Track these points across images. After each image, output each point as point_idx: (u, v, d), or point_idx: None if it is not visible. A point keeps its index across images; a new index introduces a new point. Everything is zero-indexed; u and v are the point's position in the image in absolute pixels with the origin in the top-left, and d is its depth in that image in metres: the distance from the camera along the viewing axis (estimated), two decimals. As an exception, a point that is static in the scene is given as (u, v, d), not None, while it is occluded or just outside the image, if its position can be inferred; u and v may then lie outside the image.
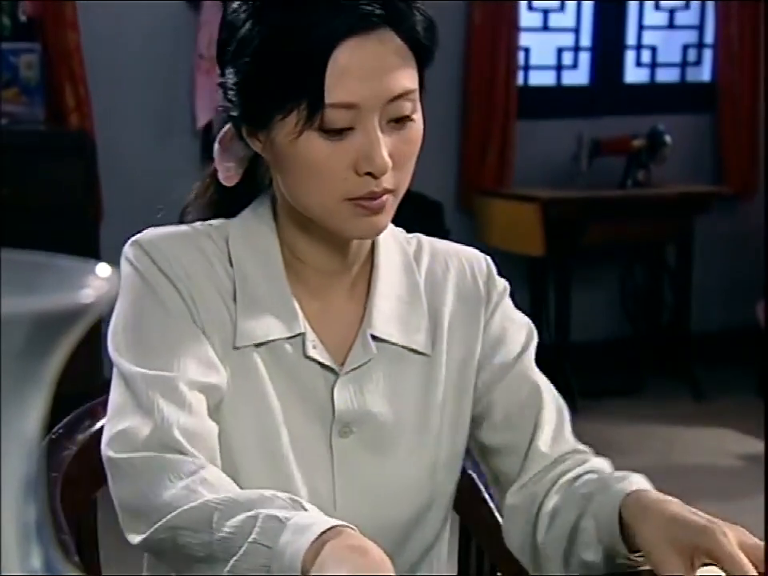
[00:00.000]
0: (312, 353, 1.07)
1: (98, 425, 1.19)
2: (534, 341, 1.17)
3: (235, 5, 1.03)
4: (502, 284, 1.16)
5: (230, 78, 1.03)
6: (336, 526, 0.87)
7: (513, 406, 1.13)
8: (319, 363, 1.08)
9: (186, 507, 0.94)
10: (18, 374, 0.29)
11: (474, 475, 1.23)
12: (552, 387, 1.16)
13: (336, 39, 0.97)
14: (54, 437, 1.17)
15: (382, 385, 1.10)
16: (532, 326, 1.18)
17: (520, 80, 4.32)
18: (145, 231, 1.09)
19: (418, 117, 1.04)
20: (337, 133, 0.99)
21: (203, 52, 3.78)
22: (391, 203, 1.04)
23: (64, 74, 3.62)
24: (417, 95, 1.03)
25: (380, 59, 0.99)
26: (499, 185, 4.24)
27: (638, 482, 1.04)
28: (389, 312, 1.10)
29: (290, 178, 1.03)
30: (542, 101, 4.39)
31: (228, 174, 1.12)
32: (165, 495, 0.96)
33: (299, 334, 1.08)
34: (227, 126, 1.10)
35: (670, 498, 1.00)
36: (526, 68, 4.39)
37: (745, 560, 0.92)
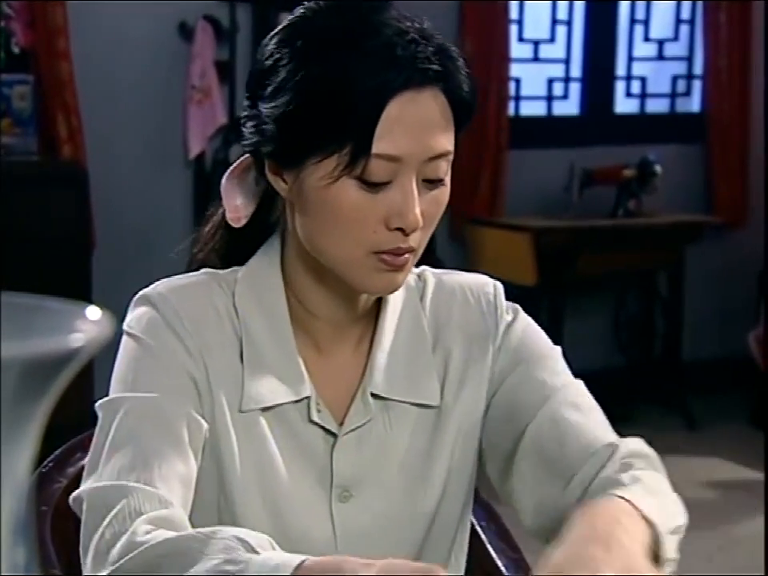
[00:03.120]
0: (316, 417, 1.05)
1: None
2: (557, 349, 1.12)
3: (276, 40, 1.01)
4: (511, 309, 1.12)
5: (268, 111, 1.00)
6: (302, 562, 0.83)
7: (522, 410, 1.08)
8: (321, 426, 1.05)
9: (125, 559, 0.90)
10: (9, 416, 0.29)
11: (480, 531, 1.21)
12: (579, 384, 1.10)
13: (393, 91, 0.96)
14: (44, 470, 1.16)
15: (382, 442, 1.07)
16: (546, 339, 1.13)
17: (511, 110, 4.34)
18: (155, 284, 1.05)
19: (448, 180, 1.03)
20: (375, 185, 0.98)
21: (196, 83, 3.79)
22: (411, 262, 1.02)
23: (57, 105, 3.63)
24: (452, 158, 1.02)
25: (428, 116, 0.99)
26: (491, 214, 4.25)
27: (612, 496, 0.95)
28: (392, 366, 1.07)
29: (314, 224, 1.01)
30: (533, 131, 4.41)
31: (236, 213, 1.08)
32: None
33: (305, 398, 1.05)
34: (241, 158, 1.07)
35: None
36: (517, 98, 4.41)
37: None
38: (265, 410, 1.04)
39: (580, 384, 1.12)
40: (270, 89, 1.00)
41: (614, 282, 4.43)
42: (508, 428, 1.09)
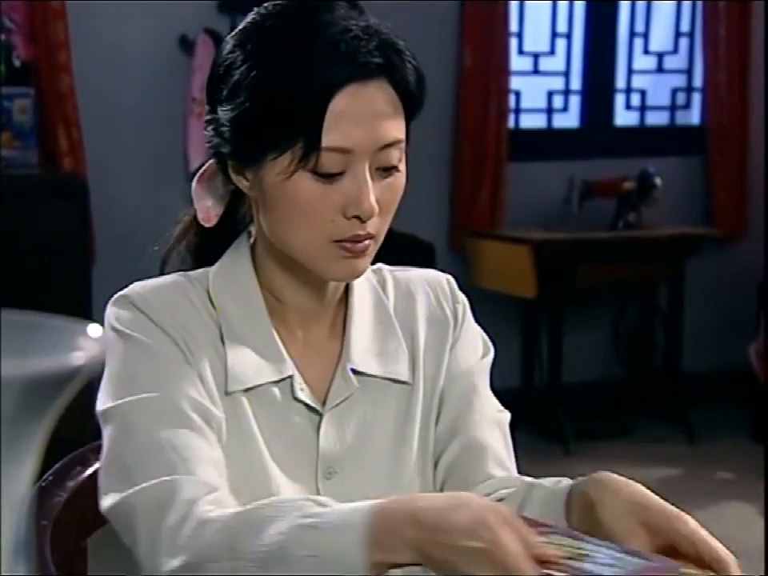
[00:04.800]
0: (300, 395, 1.09)
1: (89, 471, 1.19)
2: (490, 354, 1.20)
3: (230, 44, 1.07)
4: (464, 300, 1.20)
5: (225, 114, 1.06)
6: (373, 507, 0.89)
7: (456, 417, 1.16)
8: (305, 404, 1.09)
9: (201, 537, 0.93)
10: (10, 435, 0.29)
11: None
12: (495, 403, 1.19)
13: (337, 85, 1.01)
14: (43, 484, 1.16)
15: (362, 418, 1.11)
16: (487, 339, 1.20)
17: (511, 123, 4.35)
18: (130, 286, 1.09)
19: (402, 167, 1.07)
20: (329, 176, 1.02)
21: (196, 96, 3.80)
22: (372, 248, 1.07)
23: (57, 118, 3.64)
24: (404, 146, 1.06)
25: (375, 107, 1.02)
26: (491, 226, 4.25)
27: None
28: (367, 345, 1.12)
29: (276, 217, 1.05)
30: (532, 143, 4.42)
31: (207, 214, 1.13)
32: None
33: (287, 377, 1.09)
34: (208, 163, 1.13)
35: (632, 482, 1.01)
36: (517, 111, 4.42)
37: (719, 545, 0.97)
38: (248, 390, 1.07)
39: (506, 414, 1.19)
40: (225, 92, 1.06)
41: (613, 293, 4.42)
42: (446, 429, 1.15)
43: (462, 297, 1.20)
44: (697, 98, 4.64)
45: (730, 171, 4.54)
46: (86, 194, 3.52)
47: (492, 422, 1.15)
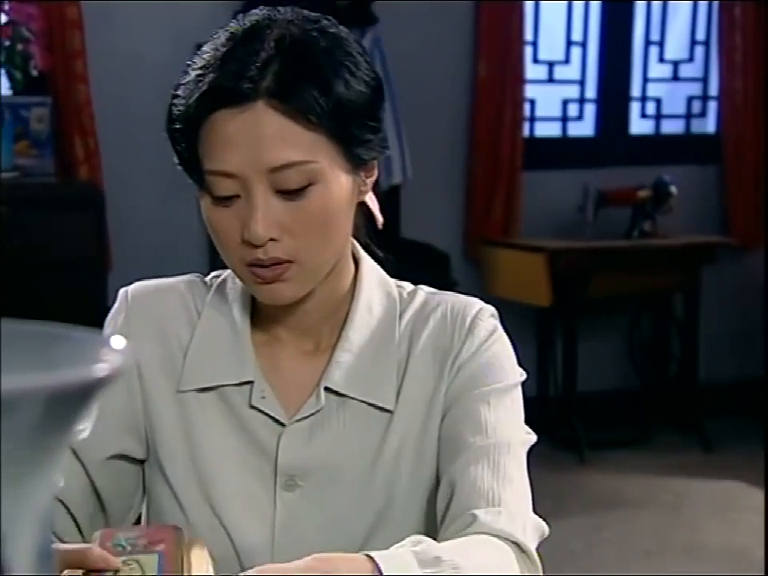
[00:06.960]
0: (257, 402, 1.08)
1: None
2: (515, 378, 1.10)
3: None
4: (481, 334, 1.09)
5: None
6: None
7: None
8: (265, 413, 1.08)
9: None
10: (34, 447, 0.29)
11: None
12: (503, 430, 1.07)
13: (207, 110, 1.00)
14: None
15: (336, 438, 1.08)
16: (513, 364, 1.10)
17: (526, 131, 4.35)
18: (138, 282, 1.14)
19: (322, 187, 1.01)
20: (224, 199, 1.02)
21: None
22: (296, 273, 1.02)
23: (74, 127, 3.66)
24: (318, 166, 1.00)
25: (254, 130, 0.98)
26: (506, 235, 4.25)
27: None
28: (354, 367, 1.08)
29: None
30: (547, 152, 4.42)
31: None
32: None
33: (247, 382, 1.08)
34: None
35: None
36: (532, 120, 4.42)
37: None
38: (206, 390, 1.08)
39: (517, 445, 1.08)
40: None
41: (628, 303, 4.42)
42: (442, 461, 1.08)
43: (481, 330, 1.09)
44: (712, 106, 4.64)
45: (745, 179, 4.53)
46: (102, 202, 3.53)
47: (483, 453, 1.04)
